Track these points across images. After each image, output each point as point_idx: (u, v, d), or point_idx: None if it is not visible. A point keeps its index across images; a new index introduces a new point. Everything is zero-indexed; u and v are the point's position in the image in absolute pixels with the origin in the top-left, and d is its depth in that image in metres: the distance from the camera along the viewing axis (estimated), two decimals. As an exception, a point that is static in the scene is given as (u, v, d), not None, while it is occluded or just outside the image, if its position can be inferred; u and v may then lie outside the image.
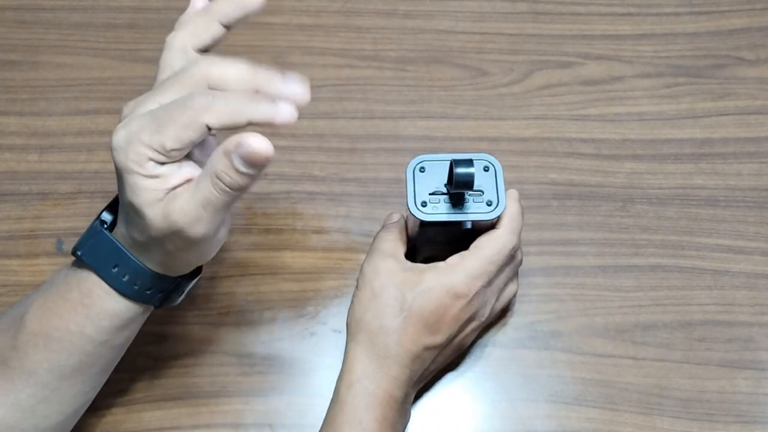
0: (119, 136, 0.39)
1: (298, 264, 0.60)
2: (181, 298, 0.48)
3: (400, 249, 0.53)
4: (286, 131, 0.65)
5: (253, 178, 0.39)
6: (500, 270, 0.51)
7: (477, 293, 0.50)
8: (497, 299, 0.53)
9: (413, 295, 0.49)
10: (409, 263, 0.51)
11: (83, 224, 0.61)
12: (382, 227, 0.55)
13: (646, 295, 0.59)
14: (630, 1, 0.72)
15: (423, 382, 0.53)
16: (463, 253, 0.50)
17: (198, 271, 0.48)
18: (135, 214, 0.41)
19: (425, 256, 0.52)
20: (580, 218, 0.62)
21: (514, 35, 0.70)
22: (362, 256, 0.60)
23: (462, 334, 0.52)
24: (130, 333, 0.48)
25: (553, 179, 0.64)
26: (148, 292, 0.45)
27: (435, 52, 0.69)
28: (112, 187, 0.62)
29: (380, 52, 0.69)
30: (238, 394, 0.56)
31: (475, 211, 0.49)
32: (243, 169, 0.38)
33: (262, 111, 0.40)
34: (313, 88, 0.67)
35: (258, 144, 0.38)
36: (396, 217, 0.56)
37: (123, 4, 0.71)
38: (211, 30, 0.45)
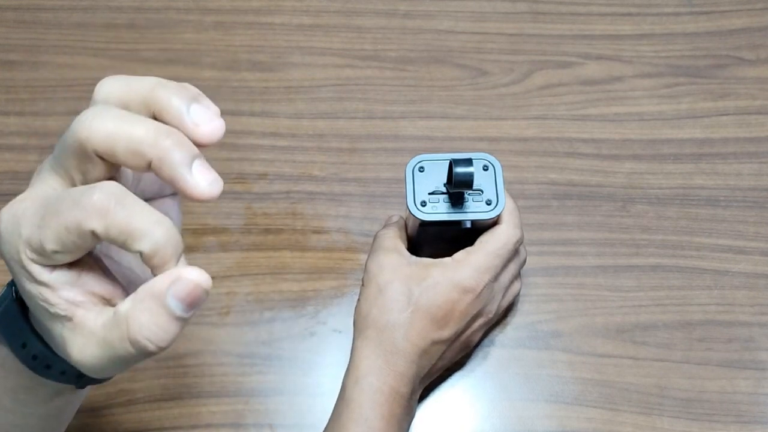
0: (2, 220, 0.30)
1: (298, 264, 0.60)
2: (107, 379, 0.38)
3: (402, 244, 0.53)
4: (286, 131, 0.65)
5: (183, 327, 0.30)
6: (506, 264, 0.52)
7: (484, 288, 0.50)
8: (503, 296, 0.54)
9: (420, 290, 0.49)
10: (413, 257, 0.52)
11: (83, 224, 0.61)
12: (382, 227, 0.55)
13: (646, 295, 0.59)
14: (630, 1, 0.72)
15: (429, 380, 0.54)
16: (468, 248, 0.51)
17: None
18: (35, 314, 0.32)
19: (426, 256, 0.52)
20: (580, 218, 0.62)
21: (514, 35, 0.70)
22: (362, 256, 0.60)
23: (469, 330, 0.52)
24: (61, 405, 0.39)
25: (553, 179, 0.64)
26: (62, 375, 0.35)
27: (435, 52, 0.69)
28: (112, 187, 0.62)
29: (380, 52, 0.69)
30: (238, 394, 0.56)
31: (474, 210, 0.49)
32: (181, 313, 0.29)
33: (165, 241, 0.28)
34: (313, 88, 0.68)
35: (199, 276, 0.29)
36: (396, 217, 0.56)
37: (123, 4, 0.71)
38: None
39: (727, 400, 0.56)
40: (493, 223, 0.51)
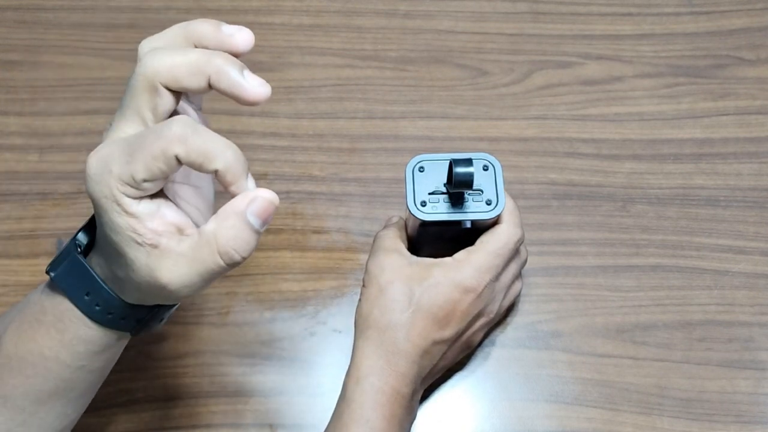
0: (91, 165, 0.35)
1: (298, 264, 0.60)
2: (160, 325, 0.44)
3: (402, 244, 0.53)
4: (286, 131, 0.65)
5: (258, 239, 0.36)
6: (507, 264, 0.52)
7: (486, 287, 0.50)
8: (505, 296, 0.54)
9: (421, 290, 0.49)
10: (414, 257, 0.52)
11: (83, 224, 0.61)
12: (382, 227, 0.55)
13: (646, 295, 0.59)
14: (630, 1, 0.72)
15: (431, 380, 0.53)
16: (469, 248, 0.51)
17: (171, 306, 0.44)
18: (115, 252, 0.37)
19: (426, 256, 0.52)
20: (580, 218, 0.62)
21: (514, 35, 0.70)
22: (362, 256, 0.60)
23: (471, 330, 0.52)
24: (110, 357, 0.44)
25: (553, 179, 0.64)
26: (122, 320, 0.41)
27: (435, 52, 0.69)
28: (112, 187, 0.62)
29: (380, 52, 0.69)
30: (238, 394, 0.56)
31: (474, 210, 0.49)
32: (258, 226, 0.35)
33: (234, 160, 0.34)
34: (313, 88, 0.68)
35: (270, 195, 0.35)
36: (395, 218, 0.56)
37: (123, 4, 0.71)
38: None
39: (727, 400, 0.56)
40: (494, 222, 0.51)
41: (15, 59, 0.68)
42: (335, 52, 0.69)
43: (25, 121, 0.65)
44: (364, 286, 0.52)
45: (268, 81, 0.70)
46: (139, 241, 0.35)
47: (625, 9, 0.71)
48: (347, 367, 0.50)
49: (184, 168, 0.36)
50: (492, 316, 0.52)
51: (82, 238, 0.41)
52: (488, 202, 0.49)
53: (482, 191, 0.49)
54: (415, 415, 0.52)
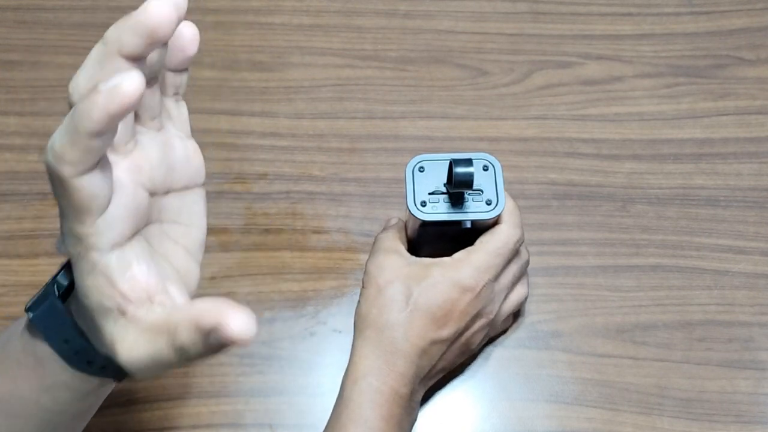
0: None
1: (298, 264, 0.60)
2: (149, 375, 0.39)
3: (402, 245, 0.53)
4: (286, 131, 0.65)
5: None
6: (507, 264, 0.52)
7: (484, 287, 0.50)
8: (506, 298, 0.53)
9: (419, 289, 0.49)
10: (413, 257, 0.52)
11: (83, 224, 0.61)
12: (382, 229, 0.55)
13: (646, 295, 0.59)
14: (630, 1, 0.72)
15: (431, 382, 0.53)
16: (468, 248, 0.51)
17: None
18: (86, 311, 0.34)
19: (426, 256, 0.52)
20: (580, 218, 0.62)
21: (514, 35, 0.70)
22: (362, 256, 0.60)
23: (469, 331, 0.51)
24: (93, 402, 0.42)
25: (553, 179, 0.64)
26: (102, 369, 0.37)
27: (435, 52, 0.69)
28: (112, 187, 0.62)
29: (380, 52, 0.69)
30: (238, 394, 0.56)
31: (474, 210, 0.49)
32: (218, 345, 0.31)
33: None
34: (313, 88, 0.68)
35: (240, 330, 0.29)
36: (395, 220, 0.56)
37: (123, 4, 0.71)
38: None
39: (727, 400, 0.56)
40: (494, 223, 0.51)
41: (15, 59, 0.68)
42: (335, 52, 0.69)
43: (25, 121, 0.65)
44: (363, 286, 0.52)
45: (267, 81, 0.71)
46: (108, 304, 0.33)
47: (625, 9, 0.71)
48: (346, 367, 0.50)
49: (176, 204, 0.36)
50: (492, 317, 0.52)
51: (62, 279, 0.38)
52: (488, 202, 0.49)
53: (482, 191, 0.49)
54: (416, 416, 0.52)
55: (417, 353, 0.49)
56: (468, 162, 0.46)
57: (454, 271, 0.49)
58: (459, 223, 0.50)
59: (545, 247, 0.61)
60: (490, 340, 0.57)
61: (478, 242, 0.51)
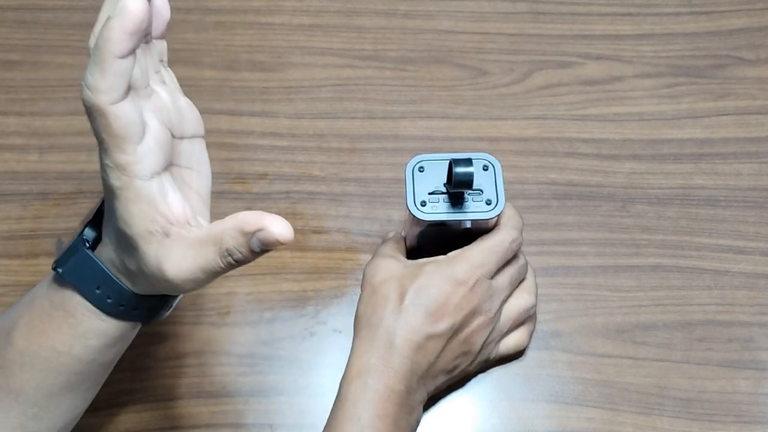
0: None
1: (298, 264, 0.60)
2: (168, 313, 0.46)
3: (400, 253, 0.54)
4: (286, 131, 0.65)
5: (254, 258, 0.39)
6: (502, 265, 0.51)
7: (477, 282, 0.50)
8: (505, 300, 0.53)
9: (414, 285, 0.50)
10: (409, 261, 0.52)
11: (83, 224, 0.61)
12: (381, 243, 0.56)
13: (646, 295, 0.59)
14: (630, 1, 0.72)
15: (432, 383, 0.52)
16: (463, 247, 0.51)
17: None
18: (127, 246, 0.39)
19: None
20: (580, 218, 0.62)
21: (514, 35, 0.70)
22: (362, 256, 0.60)
23: (468, 329, 0.51)
24: (120, 349, 0.46)
25: (553, 179, 0.64)
26: (134, 311, 0.42)
27: (435, 52, 0.69)
28: (112, 187, 0.62)
29: (380, 52, 0.69)
30: (238, 394, 0.56)
31: (474, 210, 0.49)
32: (258, 249, 0.37)
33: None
34: (313, 88, 0.68)
35: (281, 232, 0.36)
36: (392, 233, 0.57)
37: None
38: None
39: (727, 400, 0.56)
40: (493, 225, 0.51)
41: (15, 59, 0.68)
42: (335, 52, 0.69)
43: (24, 121, 0.65)
44: (361, 290, 0.53)
45: (267, 81, 0.71)
46: (151, 229, 0.37)
47: (625, 9, 0.71)
48: (346, 365, 0.50)
49: (188, 150, 0.41)
50: (491, 315, 0.52)
51: (88, 233, 0.43)
52: (488, 202, 0.49)
53: (482, 191, 0.49)
54: (419, 418, 0.52)
55: (412, 348, 0.49)
56: (468, 162, 0.46)
57: (447, 266, 0.50)
58: (458, 223, 0.50)
59: (545, 247, 0.61)
60: (508, 359, 0.57)
61: (474, 242, 0.51)
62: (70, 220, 0.61)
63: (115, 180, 0.36)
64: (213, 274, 0.38)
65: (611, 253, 0.61)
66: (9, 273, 0.59)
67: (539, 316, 0.58)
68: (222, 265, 0.38)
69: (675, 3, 0.72)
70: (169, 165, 0.39)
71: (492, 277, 0.51)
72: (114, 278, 0.41)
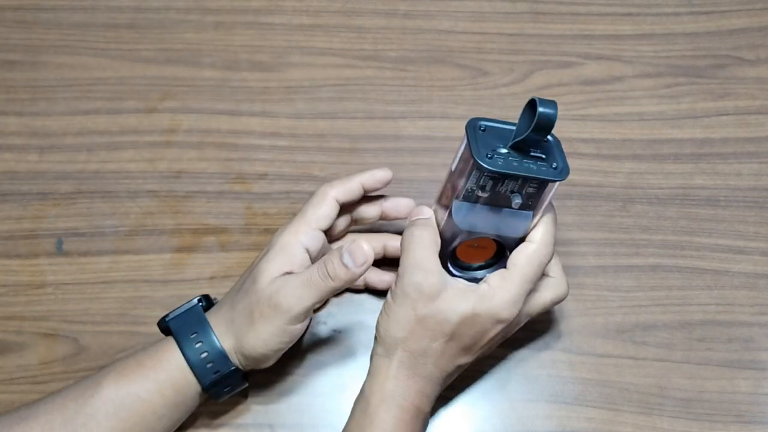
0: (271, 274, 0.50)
1: (298, 264, 0.60)
2: (225, 397, 0.52)
3: (436, 257, 0.49)
4: (286, 131, 0.65)
5: (349, 276, 0.47)
6: (534, 284, 0.50)
7: (516, 315, 0.49)
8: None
9: (457, 318, 0.48)
10: (450, 279, 0.49)
11: (83, 224, 0.61)
12: (414, 224, 0.51)
13: (646, 295, 0.59)
14: (630, 1, 0.72)
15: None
16: (502, 273, 0.49)
17: (246, 380, 0.53)
18: (251, 279, 0.50)
19: (448, 258, 0.51)
20: (580, 218, 0.62)
21: (514, 35, 0.70)
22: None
23: (490, 348, 0.51)
24: (180, 416, 0.51)
25: (553, 179, 0.64)
26: (215, 374, 0.49)
27: (435, 52, 0.69)
28: (112, 187, 0.62)
29: (380, 52, 0.69)
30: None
31: (541, 168, 0.45)
32: (347, 262, 0.47)
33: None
34: (313, 88, 0.68)
35: (364, 246, 0.47)
36: (427, 212, 0.51)
37: (123, 4, 0.71)
38: (356, 193, 0.54)
39: (727, 400, 0.56)
40: (523, 238, 0.49)
41: (15, 59, 0.68)
42: (335, 52, 0.69)
43: (24, 121, 0.65)
44: (395, 302, 0.49)
45: (267, 81, 0.71)
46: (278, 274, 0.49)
47: (625, 9, 0.71)
48: (368, 377, 0.50)
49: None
50: (509, 334, 0.52)
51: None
52: (554, 167, 0.46)
53: (546, 157, 0.46)
54: (428, 424, 0.52)
55: (444, 377, 0.50)
56: (553, 103, 0.42)
57: (491, 303, 0.48)
58: (523, 184, 0.46)
59: (545, 247, 0.61)
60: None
61: (511, 266, 0.49)
62: (70, 220, 0.61)
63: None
64: (311, 288, 0.48)
65: (611, 253, 0.61)
66: (9, 273, 0.59)
67: (539, 316, 0.58)
68: (319, 277, 0.47)
69: (675, 3, 0.72)
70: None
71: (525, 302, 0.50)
72: (212, 330, 0.49)
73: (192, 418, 0.54)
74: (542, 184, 0.47)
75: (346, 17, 0.71)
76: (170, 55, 0.68)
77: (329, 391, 0.55)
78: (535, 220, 0.49)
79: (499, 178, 0.46)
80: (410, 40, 0.70)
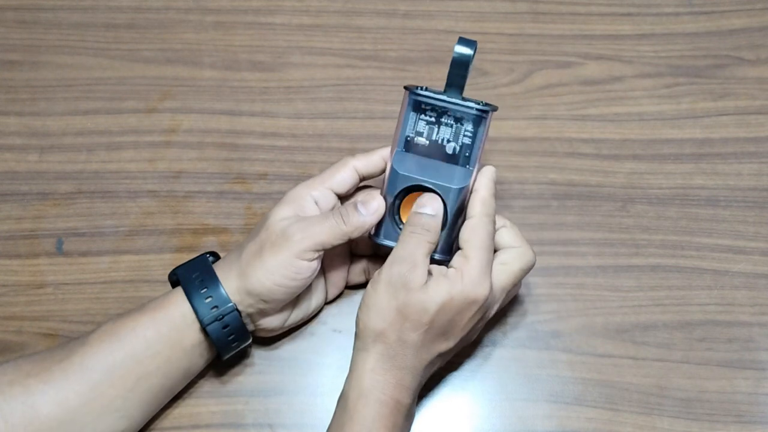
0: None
1: (298, 264, 0.60)
2: (229, 351, 0.52)
3: (427, 259, 0.50)
4: (286, 131, 0.66)
5: (361, 222, 0.50)
6: (492, 255, 0.51)
7: (487, 294, 0.49)
8: (504, 299, 0.53)
9: (435, 307, 0.48)
10: (433, 266, 0.50)
11: (83, 224, 0.61)
12: (419, 218, 0.50)
13: (646, 295, 0.59)
14: (630, 1, 0.72)
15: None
16: (459, 252, 0.49)
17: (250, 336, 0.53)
18: (261, 223, 0.51)
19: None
20: (580, 218, 0.62)
21: (514, 35, 0.70)
22: (362, 256, 0.60)
23: (470, 334, 0.51)
24: (177, 365, 0.51)
25: (553, 179, 0.64)
26: (213, 310, 0.49)
27: (435, 52, 0.69)
28: (112, 187, 0.62)
29: (380, 52, 0.69)
30: (238, 394, 0.56)
31: (469, 103, 0.51)
32: (361, 209, 0.50)
33: None
34: (313, 88, 0.68)
35: (377, 198, 0.51)
36: (433, 210, 0.51)
37: (123, 4, 0.71)
38: (377, 167, 0.54)
39: (727, 400, 0.56)
40: (465, 192, 0.51)
41: (15, 59, 0.68)
42: (335, 52, 0.69)
43: (24, 121, 0.65)
44: (373, 289, 0.49)
45: (267, 81, 0.71)
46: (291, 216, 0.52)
47: (625, 9, 0.71)
48: (348, 373, 0.50)
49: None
50: (491, 315, 0.52)
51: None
52: (482, 104, 0.52)
53: (477, 102, 0.52)
54: (414, 417, 0.52)
55: (424, 367, 0.49)
56: (473, 42, 0.50)
57: (461, 284, 0.48)
58: (458, 132, 0.51)
59: (545, 247, 0.61)
60: (483, 332, 0.57)
61: (462, 242, 0.49)
62: (70, 220, 0.61)
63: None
64: (326, 230, 0.50)
65: (611, 253, 0.61)
66: (9, 273, 0.59)
67: (539, 316, 0.58)
68: (334, 221, 0.50)
69: (675, 3, 0.72)
70: None
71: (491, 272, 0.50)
72: (216, 277, 0.50)
73: (192, 418, 0.54)
74: (476, 128, 0.51)
75: (346, 17, 0.71)
76: (170, 55, 0.68)
77: (329, 391, 0.55)
78: (474, 173, 0.51)
79: (434, 122, 0.51)
80: (410, 40, 0.70)
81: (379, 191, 0.52)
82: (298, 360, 0.57)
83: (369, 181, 0.55)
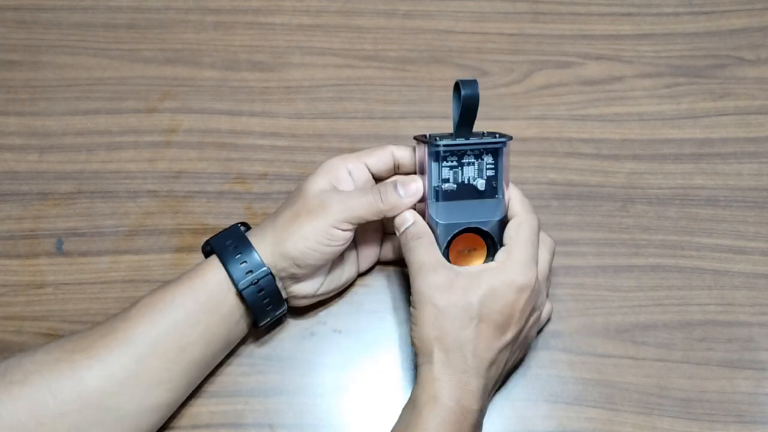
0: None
1: (298, 264, 0.60)
2: (266, 318, 0.53)
3: (438, 253, 0.51)
4: (286, 131, 0.66)
5: (398, 203, 0.51)
6: (538, 251, 0.52)
7: (536, 281, 0.50)
8: (548, 286, 0.54)
9: (478, 299, 0.48)
10: (457, 267, 0.50)
11: (83, 224, 0.61)
12: (405, 234, 0.52)
13: (646, 295, 0.59)
14: (630, 1, 0.72)
15: (495, 389, 0.53)
16: (503, 248, 0.51)
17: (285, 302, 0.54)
18: (297, 191, 0.53)
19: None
20: (580, 218, 0.62)
21: (514, 35, 0.70)
22: (362, 256, 0.60)
23: (527, 327, 0.51)
24: (216, 331, 0.51)
25: (553, 179, 0.64)
26: (253, 285, 0.50)
27: (435, 52, 0.69)
28: (112, 187, 0.62)
29: (380, 52, 0.69)
30: (238, 394, 0.56)
31: (486, 140, 0.52)
32: (400, 190, 0.51)
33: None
34: (313, 88, 0.68)
35: (417, 181, 0.52)
36: (410, 217, 0.53)
37: (123, 4, 0.71)
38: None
39: (727, 400, 0.56)
40: (504, 222, 0.52)
41: (15, 59, 0.68)
42: (335, 52, 0.69)
43: (24, 121, 0.65)
44: (415, 307, 0.50)
45: (267, 81, 0.71)
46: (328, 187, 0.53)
47: (625, 9, 0.71)
48: (414, 386, 0.49)
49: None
50: (542, 308, 0.53)
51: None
52: (497, 136, 0.52)
53: (486, 134, 0.53)
54: (481, 427, 0.51)
55: (486, 366, 0.49)
56: (474, 83, 0.50)
57: (505, 273, 0.49)
58: (481, 168, 0.52)
59: (545, 247, 0.61)
60: (540, 330, 0.57)
61: (507, 238, 0.51)
62: (70, 220, 0.61)
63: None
64: (364, 204, 0.51)
65: (611, 253, 0.61)
66: (9, 273, 0.59)
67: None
68: (371, 197, 0.51)
69: (675, 3, 0.72)
70: None
71: (537, 265, 0.51)
72: (250, 243, 0.51)
73: (192, 418, 0.54)
74: (496, 159, 0.52)
75: (346, 17, 0.71)
76: (170, 55, 0.68)
77: (329, 391, 0.55)
78: (506, 198, 0.52)
79: (456, 165, 0.52)
80: (410, 40, 0.70)
81: (418, 176, 0.53)
82: (298, 360, 0.57)
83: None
